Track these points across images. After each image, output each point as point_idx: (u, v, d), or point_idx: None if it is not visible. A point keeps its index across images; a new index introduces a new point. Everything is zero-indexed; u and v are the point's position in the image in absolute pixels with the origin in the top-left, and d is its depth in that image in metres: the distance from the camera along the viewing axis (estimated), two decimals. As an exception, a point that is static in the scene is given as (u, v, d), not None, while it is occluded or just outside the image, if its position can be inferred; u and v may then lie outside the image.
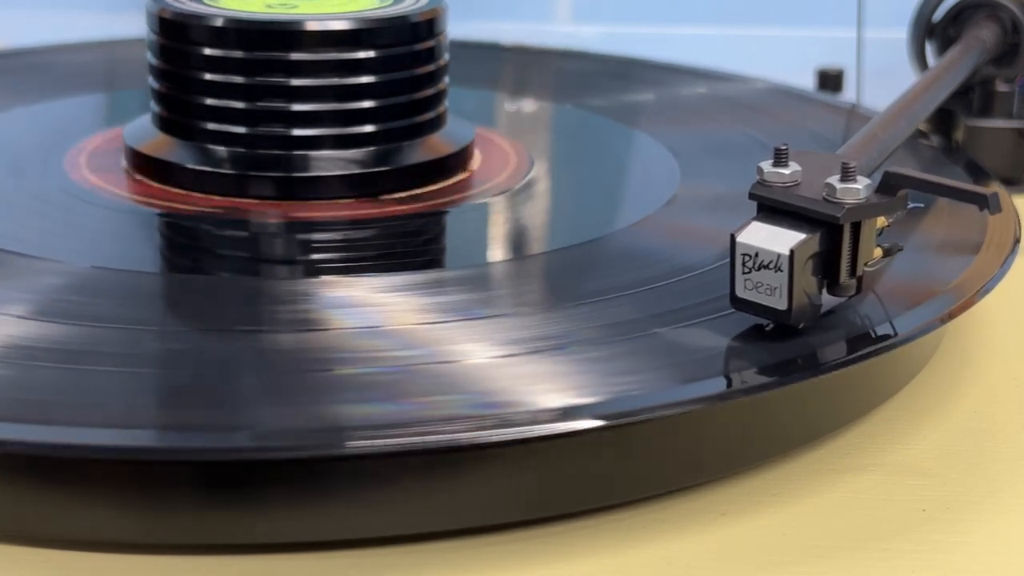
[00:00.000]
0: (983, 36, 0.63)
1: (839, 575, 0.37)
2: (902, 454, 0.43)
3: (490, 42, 0.76)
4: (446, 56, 0.55)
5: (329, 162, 0.52)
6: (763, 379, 0.39)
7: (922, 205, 0.50)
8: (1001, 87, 0.64)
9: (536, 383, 0.39)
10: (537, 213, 0.53)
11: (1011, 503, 0.41)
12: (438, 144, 0.55)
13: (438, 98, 0.55)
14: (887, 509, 0.40)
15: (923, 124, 0.59)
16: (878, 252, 0.42)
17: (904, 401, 0.46)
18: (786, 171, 0.41)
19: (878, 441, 0.44)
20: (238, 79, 0.52)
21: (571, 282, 0.47)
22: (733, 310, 0.41)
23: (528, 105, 0.68)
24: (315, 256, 0.50)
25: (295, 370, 0.40)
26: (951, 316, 0.44)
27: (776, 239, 0.40)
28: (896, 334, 0.42)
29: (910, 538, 0.39)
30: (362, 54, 0.52)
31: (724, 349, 0.41)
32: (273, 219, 0.51)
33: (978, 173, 0.58)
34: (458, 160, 0.55)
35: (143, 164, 0.54)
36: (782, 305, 0.40)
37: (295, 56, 0.51)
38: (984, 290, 0.45)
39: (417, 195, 0.53)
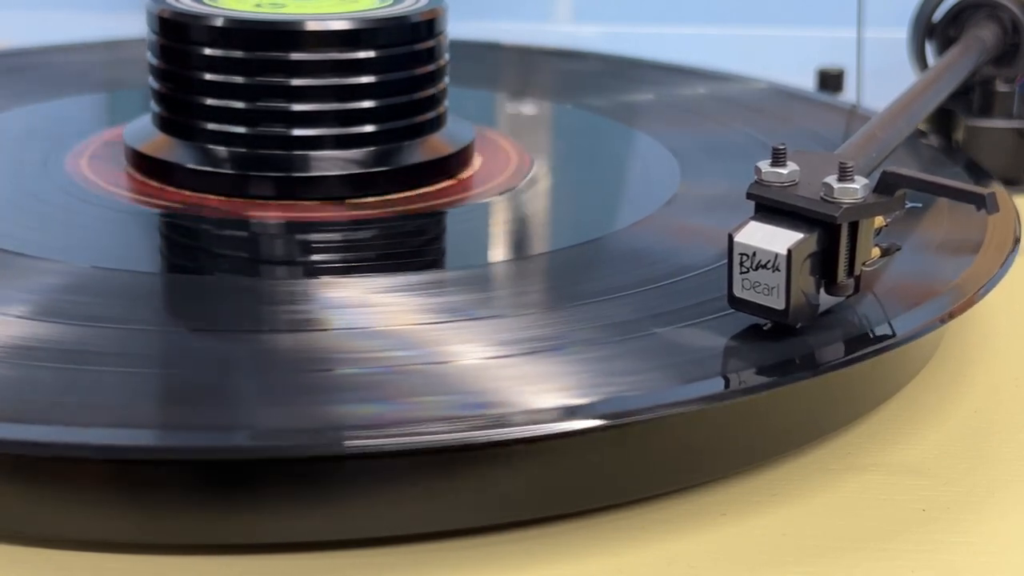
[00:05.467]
0: (983, 36, 0.63)
1: (839, 575, 0.37)
2: (902, 454, 0.43)
3: (490, 42, 0.76)
4: (446, 56, 0.55)
5: (329, 162, 0.52)
6: (762, 379, 0.39)
7: (920, 205, 0.50)
8: (1001, 87, 0.64)
9: (536, 383, 0.39)
10: (537, 213, 0.53)
11: (1011, 503, 0.41)
12: (438, 144, 0.55)
13: (438, 98, 0.55)
14: (887, 509, 0.40)
15: (923, 124, 0.59)
16: (876, 252, 0.42)
17: (904, 401, 0.46)
18: (784, 171, 0.41)
19: (878, 441, 0.44)
20: (238, 79, 0.52)
21: (571, 282, 0.47)
22: (733, 310, 0.41)
23: (528, 105, 0.68)
24: (314, 256, 0.50)
25: (294, 370, 0.40)
26: (951, 316, 0.44)
27: (774, 239, 0.40)
28: (895, 334, 0.42)
29: (910, 538, 0.39)
30: (362, 54, 0.52)
31: (723, 349, 0.41)
32: (273, 219, 0.51)
33: (978, 173, 0.58)
34: (458, 160, 0.55)
35: (143, 164, 0.54)
36: (780, 305, 0.40)
37: (295, 56, 0.51)
38: (984, 290, 0.45)
39: (417, 195, 0.53)
